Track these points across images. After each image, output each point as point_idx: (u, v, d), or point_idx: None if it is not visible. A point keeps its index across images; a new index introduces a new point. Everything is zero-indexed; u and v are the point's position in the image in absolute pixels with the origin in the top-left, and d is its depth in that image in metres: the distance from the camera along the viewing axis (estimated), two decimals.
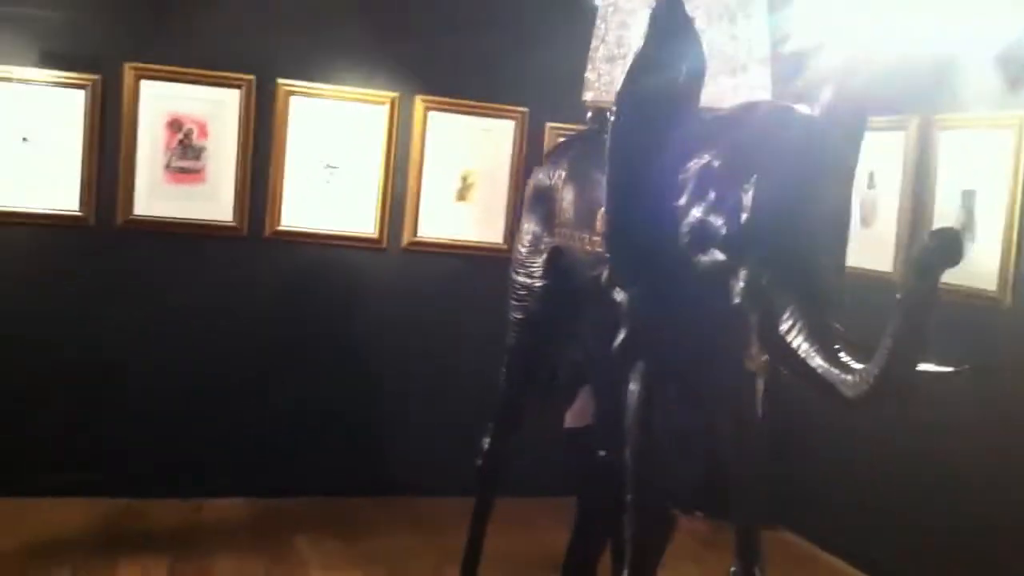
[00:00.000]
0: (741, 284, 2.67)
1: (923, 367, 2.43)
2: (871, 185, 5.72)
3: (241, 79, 5.76)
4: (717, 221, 2.77)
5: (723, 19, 3.35)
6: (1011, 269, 4.79)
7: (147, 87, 5.66)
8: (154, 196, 5.73)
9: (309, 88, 5.86)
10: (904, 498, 5.37)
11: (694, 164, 2.88)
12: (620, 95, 2.98)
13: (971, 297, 4.99)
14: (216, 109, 5.76)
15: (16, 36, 5.47)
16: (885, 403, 2.43)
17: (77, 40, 5.58)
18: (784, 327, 2.55)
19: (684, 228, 2.87)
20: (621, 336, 3.12)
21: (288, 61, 5.84)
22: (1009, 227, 4.79)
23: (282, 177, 5.86)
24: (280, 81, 5.80)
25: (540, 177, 3.91)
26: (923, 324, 2.34)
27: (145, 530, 5.45)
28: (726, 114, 3.04)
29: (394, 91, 5.94)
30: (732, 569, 3.27)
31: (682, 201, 2.89)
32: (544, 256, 3.75)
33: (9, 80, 5.48)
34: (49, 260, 5.65)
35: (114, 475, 5.70)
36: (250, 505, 5.84)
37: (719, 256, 2.76)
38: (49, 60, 5.53)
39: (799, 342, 2.51)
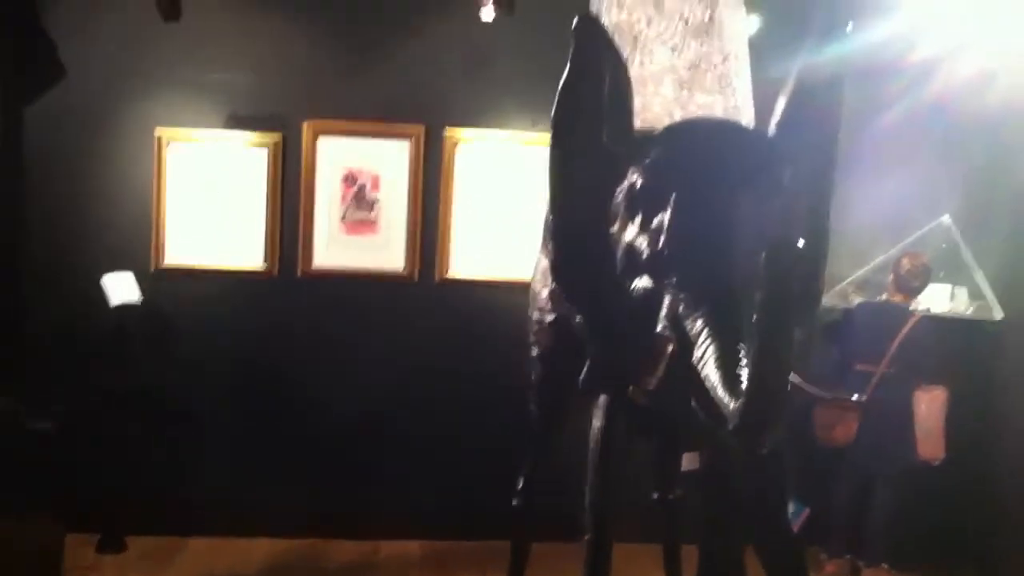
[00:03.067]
0: (663, 310, 2.51)
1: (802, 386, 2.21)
2: None
3: (410, 131, 5.97)
4: (642, 244, 2.64)
5: (674, 36, 3.26)
6: None
7: (324, 143, 5.96)
8: (331, 247, 6.00)
9: (476, 135, 6.01)
10: None
11: (624, 185, 2.76)
12: (552, 119, 2.88)
13: None
14: (388, 161, 5.99)
15: (203, 102, 5.89)
16: (760, 430, 2.23)
17: (259, 102, 5.94)
18: (696, 355, 2.37)
19: (618, 253, 2.73)
20: (585, 369, 2.96)
21: (454, 110, 6.01)
22: None
23: (451, 224, 6.03)
24: (447, 130, 5.98)
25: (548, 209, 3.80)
26: (779, 346, 2.16)
27: (320, 568, 5.65)
28: (656, 133, 2.88)
29: None
30: None
31: (615, 226, 2.76)
32: (550, 290, 3.62)
33: (200, 141, 5.91)
34: (237, 311, 5.99)
35: (297, 516, 5.98)
36: (424, 547, 5.97)
37: (648, 282, 2.61)
38: (234, 122, 5.93)
39: (708, 371, 2.33)
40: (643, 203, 2.69)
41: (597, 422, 3.04)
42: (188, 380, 5.93)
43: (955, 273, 5.95)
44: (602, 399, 3.04)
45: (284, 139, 5.95)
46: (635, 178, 2.75)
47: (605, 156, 2.83)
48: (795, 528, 4.67)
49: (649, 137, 2.86)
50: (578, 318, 3.00)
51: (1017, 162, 5.72)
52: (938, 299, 5.90)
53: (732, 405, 2.24)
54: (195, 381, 5.94)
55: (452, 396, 6.08)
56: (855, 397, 5.56)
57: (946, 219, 5.97)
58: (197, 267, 5.94)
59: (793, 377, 2.35)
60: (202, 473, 5.96)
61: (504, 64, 6.01)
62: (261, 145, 5.94)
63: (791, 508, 4.41)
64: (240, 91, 5.92)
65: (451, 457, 6.06)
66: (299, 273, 5.99)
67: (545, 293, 3.74)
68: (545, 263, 3.76)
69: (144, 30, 5.66)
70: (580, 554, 3.24)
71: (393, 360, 6.06)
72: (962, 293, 5.89)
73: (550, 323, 3.72)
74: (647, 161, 2.73)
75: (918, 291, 5.76)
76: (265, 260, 5.98)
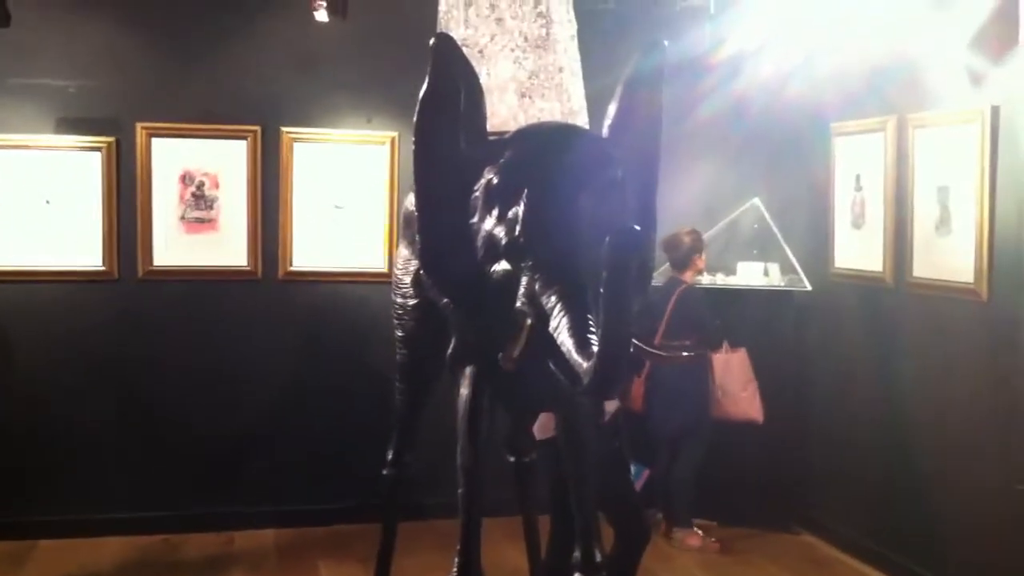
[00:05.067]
0: (521, 289, 2.89)
1: (642, 347, 2.64)
2: (858, 187, 5.87)
3: (246, 130, 6.09)
4: (500, 233, 2.99)
5: (515, 50, 3.63)
6: (985, 261, 4.89)
7: (158, 144, 6.01)
8: (172, 246, 6.07)
9: (311, 134, 6.17)
10: (922, 497, 5.45)
11: (481, 182, 3.10)
12: (415, 127, 3.18)
13: (949, 290, 5.12)
14: (225, 160, 6.09)
15: (34, 106, 5.87)
16: (610, 384, 2.65)
17: (90, 106, 5.95)
18: (552, 326, 2.75)
19: (478, 242, 3.08)
20: (451, 345, 3.35)
21: (289, 110, 6.16)
22: (981, 220, 4.91)
23: (291, 220, 6.17)
24: (284, 129, 6.12)
25: (407, 203, 4.06)
26: (622, 314, 2.55)
27: (174, 563, 5.75)
28: (507, 136, 3.24)
29: (393, 131, 6.21)
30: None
31: (475, 218, 3.11)
32: (412, 276, 3.92)
33: (30, 147, 5.87)
34: (78, 312, 5.99)
35: (148, 513, 6.04)
36: (279, 535, 6.12)
37: (506, 266, 2.97)
38: (65, 127, 5.92)
39: (563, 339, 2.70)
40: (499, 198, 3.02)
41: (464, 391, 3.33)
42: (31, 385, 5.92)
43: (768, 250, 6.45)
44: (468, 370, 3.33)
45: (117, 142, 5.96)
46: (491, 176, 3.07)
47: (463, 158, 3.15)
48: (637, 488, 5.02)
49: (501, 140, 3.21)
50: (444, 300, 3.30)
51: (812, 151, 6.26)
52: (754, 275, 6.38)
53: (585, 365, 2.61)
54: (38, 385, 5.93)
55: (300, 386, 6.24)
56: (685, 354, 5.97)
57: (756, 201, 6.46)
58: (33, 270, 5.91)
59: (634, 340, 2.74)
60: (50, 477, 5.95)
61: (337, 65, 6.17)
62: (94, 148, 5.95)
63: (632, 470, 4.78)
64: (71, 96, 5.93)
65: (303, 446, 6.21)
66: (140, 273, 6.03)
67: (407, 280, 4.00)
68: (406, 253, 4.04)
69: None
70: (444, 534, 3.48)
71: (241, 354, 6.17)
72: (774, 268, 6.38)
73: (413, 307, 4.00)
74: (501, 161, 3.07)
75: (680, 264, 6.14)
76: (104, 262, 6.00)
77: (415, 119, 3.16)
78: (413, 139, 3.19)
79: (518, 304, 2.90)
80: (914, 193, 5.40)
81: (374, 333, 6.19)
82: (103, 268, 6.00)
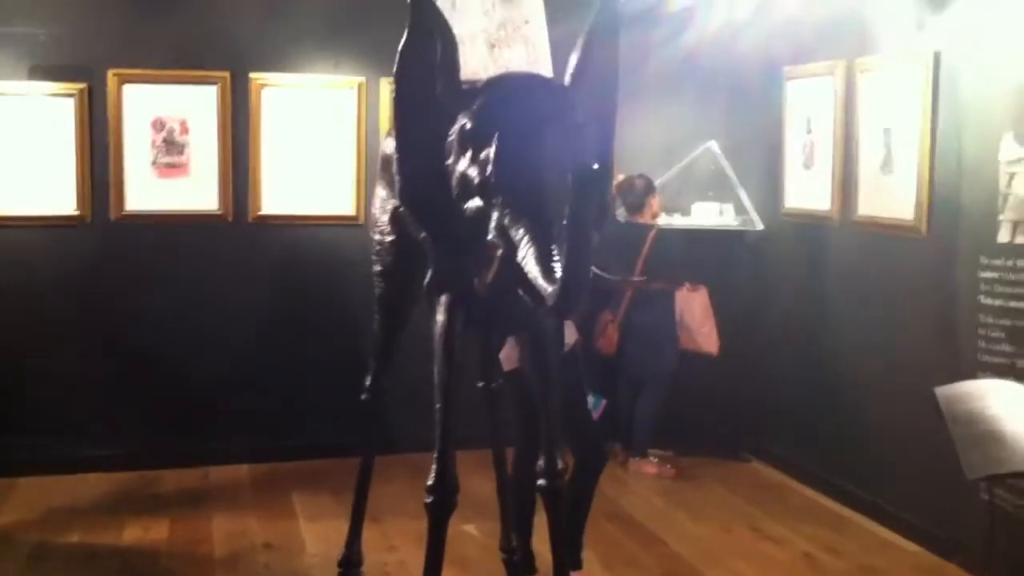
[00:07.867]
0: (492, 223, 3.17)
1: (599, 274, 2.94)
2: (809, 130, 6.10)
3: (216, 76, 6.23)
4: (473, 173, 3.28)
5: (484, 2, 3.88)
6: (925, 199, 5.15)
7: (130, 90, 6.14)
8: (144, 191, 6.22)
9: (280, 79, 6.33)
10: (863, 424, 5.72)
11: (456, 127, 3.39)
12: (395, 76, 3.48)
13: (891, 227, 5.38)
14: (196, 106, 6.24)
15: (6, 54, 5.97)
16: (572, 304, 2.92)
17: (62, 53, 6.06)
18: (520, 255, 3.04)
19: (453, 181, 3.38)
20: (428, 275, 3.66)
21: (258, 56, 6.31)
22: (921, 160, 5.16)
23: (260, 166, 6.34)
24: (252, 75, 6.27)
25: (384, 146, 4.37)
26: (584, 241, 2.84)
27: (152, 496, 5.95)
28: (480, 84, 3.51)
29: (360, 76, 6.37)
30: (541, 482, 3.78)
31: (450, 159, 3.41)
32: (389, 215, 4.20)
33: (3, 95, 5.99)
34: (53, 256, 6.15)
35: (126, 450, 6.25)
36: (254, 470, 6.35)
37: (478, 202, 3.26)
38: (38, 73, 6.03)
39: (529, 267, 3.00)
40: (472, 141, 3.31)
41: (440, 317, 3.64)
42: (9, 327, 6.07)
43: (723, 191, 6.69)
44: (444, 298, 3.63)
45: (90, 88, 6.10)
46: (464, 121, 3.36)
47: (439, 105, 3.45)
48: (595, 417, 5.26)
49: (473, 89, 3.49)
50: (423, 235, 3.61)
51: (765, 95, 6.51)
52: (708, 215, 6.62)
53: (549, 289, 2.90)
54: (16, 327, 6.08)
55: (271, 325, 6.43)
56: (638, 279, 6.17)
57: (712, 144, 6.70)
58: (8, 215, 6.04)
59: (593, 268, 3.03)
60: (30, 416, 6.11)
61: (305, 11, 6.31)
62: (67, 95, 6.07)
63: (591, 400, 5.02)
64: (42, 42, 6.03)
65: (275, 384, 6.40)
66: (113, 217, 6.19)
67: (385, 218, 4.27)
68: (384, 193, 4.32)
69: None
70: (417, 467, 3.71)
71: (213, 295, 6.35)
72: (728, 209, 6.63)
73: (390, 243, 4.27)
74: (474, 107, 3.35)
75: (635, 207, 6.37)
76: (77, 207, 6.15)
77: (395, 69, 3.43)
78: (393, 88, 3.46)
79: (490, 236, 3.17)
80: (860, 135, 5.64)
81: (342, 274, 6.41)
82: (77, 213, 6.15)
